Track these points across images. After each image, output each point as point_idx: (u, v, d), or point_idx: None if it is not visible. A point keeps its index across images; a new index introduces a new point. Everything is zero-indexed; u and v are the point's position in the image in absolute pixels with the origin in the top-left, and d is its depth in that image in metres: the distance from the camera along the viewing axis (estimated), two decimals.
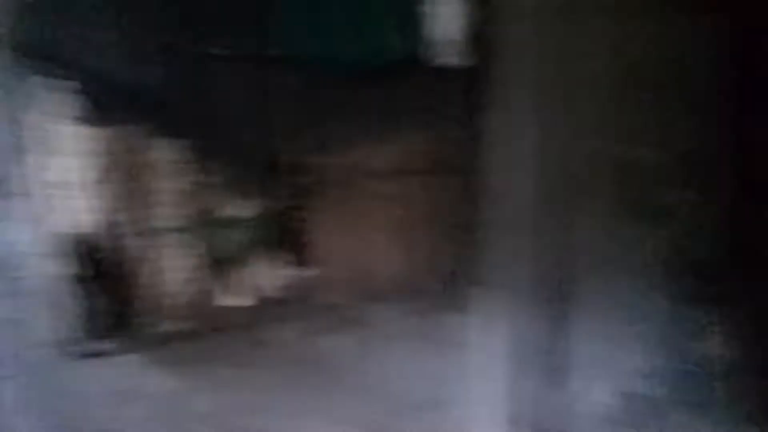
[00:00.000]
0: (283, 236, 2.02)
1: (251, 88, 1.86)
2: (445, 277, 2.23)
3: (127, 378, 1.96)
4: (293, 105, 1.90)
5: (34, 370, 1.87)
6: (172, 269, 1.84)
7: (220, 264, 1.92)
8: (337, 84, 1.96)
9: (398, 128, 2.12)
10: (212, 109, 1.83)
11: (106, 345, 1.87)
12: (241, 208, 1.90)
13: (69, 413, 1.89)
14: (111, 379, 1.94)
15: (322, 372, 2.27)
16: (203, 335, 1.95)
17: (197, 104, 1.79)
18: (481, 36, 1.93)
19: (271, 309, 1.97)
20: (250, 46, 1.84)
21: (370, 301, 2.20)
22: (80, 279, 1.75)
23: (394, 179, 2.11)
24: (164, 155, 1.79)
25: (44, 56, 1.60)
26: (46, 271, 1.79)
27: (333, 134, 2.00)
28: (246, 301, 1.94)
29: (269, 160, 1.93)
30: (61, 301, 1.83)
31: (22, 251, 1.80)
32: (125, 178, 1.72)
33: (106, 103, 1.68)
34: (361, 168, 2.08)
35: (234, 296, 1.95)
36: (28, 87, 1.56)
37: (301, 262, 2.06)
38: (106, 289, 1.79)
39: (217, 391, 2.09)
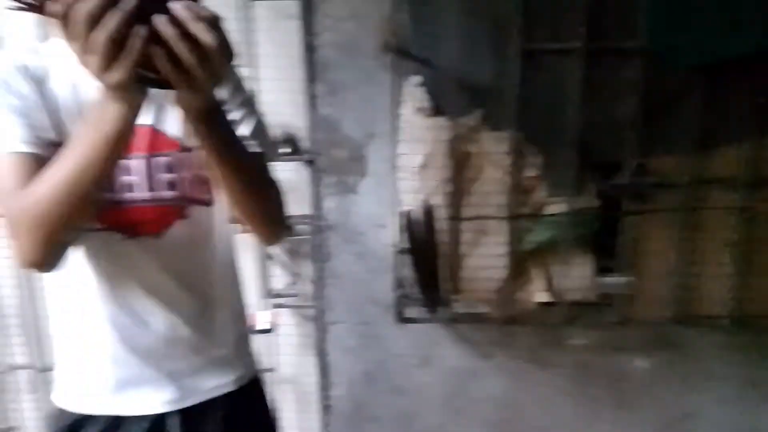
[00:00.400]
0: (599, 238, 1.93)
1: (584, 82, 1.81)
2: None
3: (426, 346, 2.18)
4: (634, 99, 1.79)
5: (361, 321, 2.24)
6: (481, 255, 1.94)
7: (528, 257, 1.94)
8: (686, 78, 1.77)
9: (760, 131, 1.81)
10: (541, 103, 1.85)
11: (417, 312, 2.11)
12: (559, 204, 1.89)
13: (374, 363, 2.21)
14: (414, 343, 2.18)
15: (620, 389, 2.13)
16: (499, 322, 2.04)
17: (527, 97, 1.83)
18: None
19: (573, 311, 1.93)
20: (584, 38, 1.79)
21: (690, 323, 1.97)
22: (407, 252, 1.99)
23: (743, 189, 1.82)
24: (490, 146, 1.88)
25: (408, 56, 1.86)
26: (384, 241, 2.11)
27: (676, 133, 1.83)
28: (549, 297, 1.93)
29: (597, 157, 1.87)
30: (391, 268, 2.13)
31: (369, 222, 2.16)
32: (452, 165, 1.87)
33: (447, 95, 1.86)
34: (703, 173, 1.85)
35: (537, 291, 1.96)
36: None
37: (615, 267, 1.95)
38: (424, 264, 2.00)
39: (501, 377, 2.15)
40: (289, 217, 0.99)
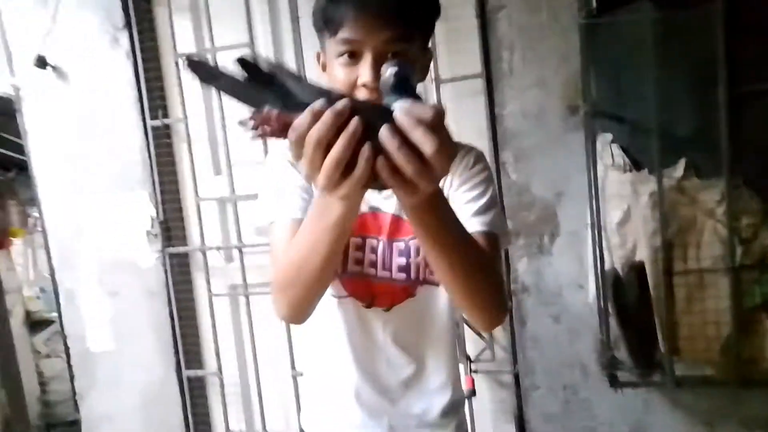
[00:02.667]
0: None
1: None
2: None
3: (639, 413, 1.98)
4: None
5: (564, 386, 2.11)
6: (701, 311, 1.77)
7: (757, 310, 1.74)
8: None
9: None
10: (757, 145, 1.71)
11: (628, 376, 1.96)
12: None
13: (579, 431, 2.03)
14: (624, 409, 2.00)
15: None
16: (726, 385, 1.81)
17: (738, 141, 1.71)
18: None
19: None
20: None
21: None
22: (613, 311, 1.88)
23: None
24: (700, 195, 1.76)
25: (600, 114, 1.84)
26: (584, 301, 2.02)
27: None
28: None
29: None
30: (593, 329, 2.02)
31: (566, 282, 2.08)
32: (659, 218, 1.76)
33: (645, 149, 1.79)
34: None
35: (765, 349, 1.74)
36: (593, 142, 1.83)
37: None
38: (634, 324, 1.87)
39: None
40: (507, 301, 0.95)
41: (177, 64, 2.23)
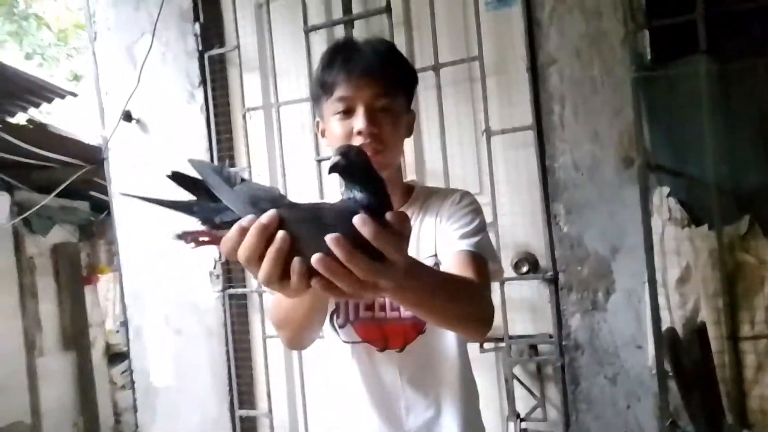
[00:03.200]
0: None
1: None
2: None
3: None
4: None
5: None
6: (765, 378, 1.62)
7: None
8: None
9: None
10: None
11: None
12: None
13: None
14: None
15: None
16: None
17: None
18: None
19: None
20: None
21: None
22: (673, 376, 1.75)
23: None
24: (767, 254, 1.63)
25: (657, 168, 1.77)
26: (642, 363, 1.89)
27: None
28: None
29: None
30: (652, 393, 1.88)
31: (621, 341, 1.97)
32: (722, 277, 1.65)
33: (705, 204, 1.69)
34: None
35: None
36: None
37: None
38: (695, 390, 1.73)
39: None
40: (490, 310, 0.96)
41: (244, 117, 2.38)
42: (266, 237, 0.58)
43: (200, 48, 2.44)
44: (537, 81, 1.99)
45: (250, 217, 0.59)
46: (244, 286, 2.46)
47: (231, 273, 2.46)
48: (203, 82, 2.44)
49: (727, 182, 1.63)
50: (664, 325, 1.75)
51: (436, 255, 1.06)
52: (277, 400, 2.38)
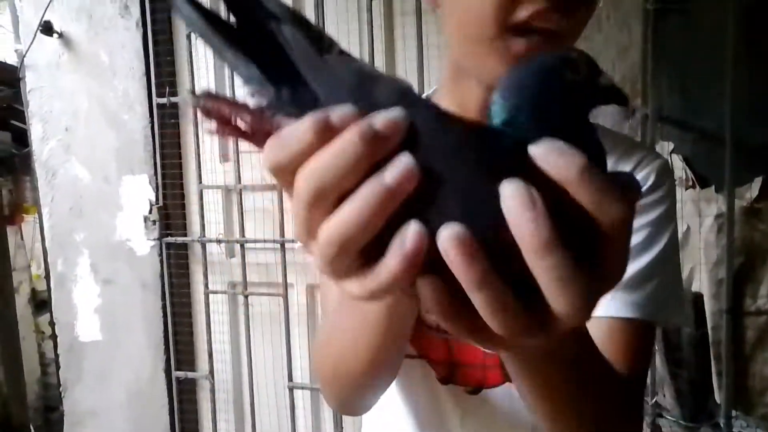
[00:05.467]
0: None
1: None
2: None
3: None
4: None
5: None
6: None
7: None
8: None
9: None
10: None
11: (671, 425, 1.67)
12: None
13: None
14: None
15: None
16: None
17: None
18: None
19: None
20: None
21: None
22: (662, 351, 1.60)
23: None
24: None
25: (665, 120, 1.56)
26: None
27: None
28: None
29: None
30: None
31: None
32: (727, 245, 1.48)
33: (713, 162, 1.50)
34: None
35: None
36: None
37: None
38: (688, 367, 1.58)
39: None
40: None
41: (189, 37, 2.02)
42: (373, 155, 0.26)
43: None
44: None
45: (347, 108, 0.27)
46: (185, 235, 2.15)
47: (170, 219, 2.14)
48: None
49: (742, 138, 1.43)
50: None
51: None
52: (219, 360, 2.12)
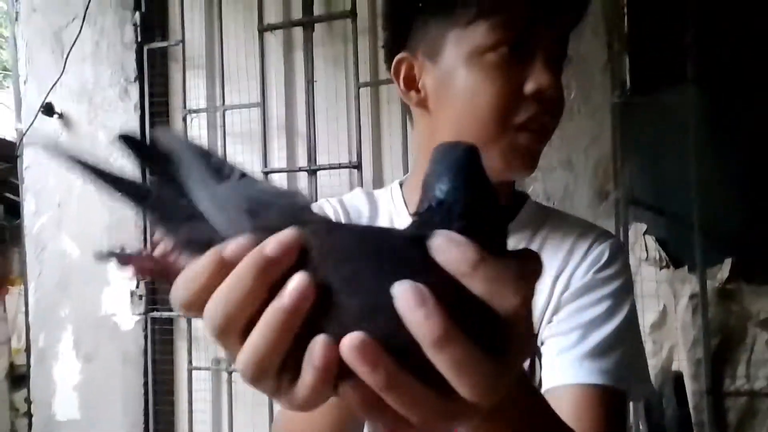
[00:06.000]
0: None
1: None
2: None
3: None
4: None
5: None
6: None
7: None
8: None
9: None
10: None
11: None
12: None
13: None
14: None
15: None
16: None
17: None
18: None
19: None
20: None
21: None
22: (644, 428, 1.59)
23: None
24: (751, 303, 1.51)
25: (635, 203, 1.64)
26: None
27: None
28: None
29: None
30: None
31: None
32: (702, 326, 1.51)
33: (684, 243, 1.56)
34: None
35: None
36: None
37: None
38: None
39: None
40: None
41: (185, 119, 2.12)
42: (268, 281, 0.28)
43: (139, 39, 2.17)
44: None
45: (242, 238, 0.29)
46: (171, 310, 2.15)
47: (156, 294, 2.15)
48: (140, 77, 2.16)
49: (710, 222, 1.50)
50: None
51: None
52: None
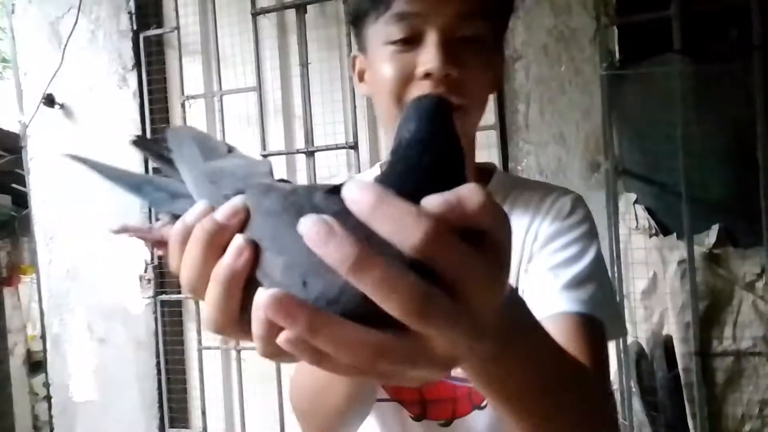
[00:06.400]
0: None
1: None
2: None
3: None
4: None
5: None
6: (742, 400, 1.54)
7: None
8: None
9: None
10: None
11: None
12: None
13: None
14: None
15: None
16: None
17: None
18: None
19: None
20: None
21: None
22: (638, 393, 1.66)
23: None
24: (737, 267, 1.56)
25: (625, 173, 1.68)
26: None
27: None
28: None
29: None
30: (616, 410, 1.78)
31: None
32: (691, 290, 1.56)
33: (674, 212, 1.61)
34: None
35: None
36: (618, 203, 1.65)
37: None
38: (661, 408, 1.64)
39: None
40: (614, 416, 0.61)
41: (183, 105, 2.16)
42: (217, 243, 0.33)
43: (135, 27, 2.20)
44: (501, 78, 1.86)
45: (198, 205, 0.35)
46: (179, 292, 2.22)
47: (164, 277, 2.22)
48: (137, 65, 2.20)
49: (697, 190, 1.54)
50: (629, 339, 1.65)
51: (516, 290, 0.67)
52: (213, 417, 2.16)
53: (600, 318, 0.62)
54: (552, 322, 0.59)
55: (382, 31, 0.65)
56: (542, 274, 0.65)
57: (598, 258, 0.68)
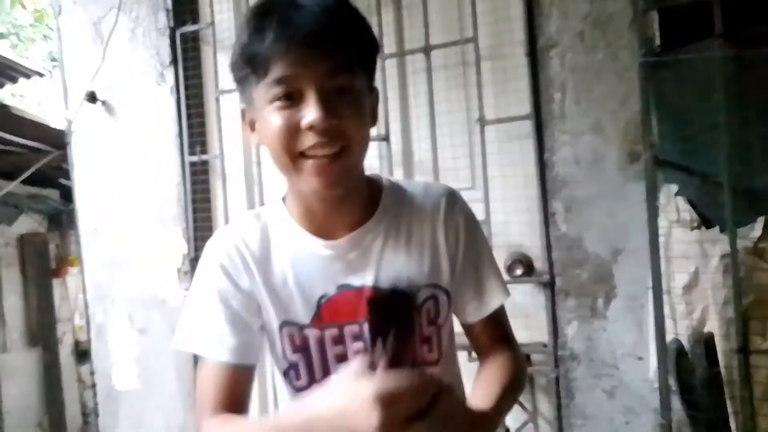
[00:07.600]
0: None
1: None
2: None
3: None
4: None
5: None
6: None
7: None
8: None
9: None
10: None
11: None
12: None
13: None
14: None
15: None
16: None
17: None
18: None
19: None
20: None
21: None
22: (677, 389, 1.63)
23: None
24: None
25: (665, 164, 1.65)
26: (643, 375, 1.78)
27: None
28: None
29: None
30: (655, 408, 1.76)
31: (622, 351, 1.85)
32: (733, 285, 1.53)
33: (715, 203, 1.57)
34: None
35: None
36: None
37: None
38: (702, 407, 1.61)
39: None
40: (526, 373, 1.00)
41: (218, 100, 2.24)
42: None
43: (172, 24, 2.30)
44: (536, 66, 1.86)
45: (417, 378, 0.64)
46: None
47: None
48: (174, 61, 2.30)
49: (740, 181, 1.50)
50: (669, 336, 1.62)
51: (437, 286, 0.86)
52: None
53: (502, 307, 0.93)
54: (481, 328, 0.92)
55: (265, 92, 0.75)
56: (462, 281, 0.89)
57: (483, 241, 0.92)
